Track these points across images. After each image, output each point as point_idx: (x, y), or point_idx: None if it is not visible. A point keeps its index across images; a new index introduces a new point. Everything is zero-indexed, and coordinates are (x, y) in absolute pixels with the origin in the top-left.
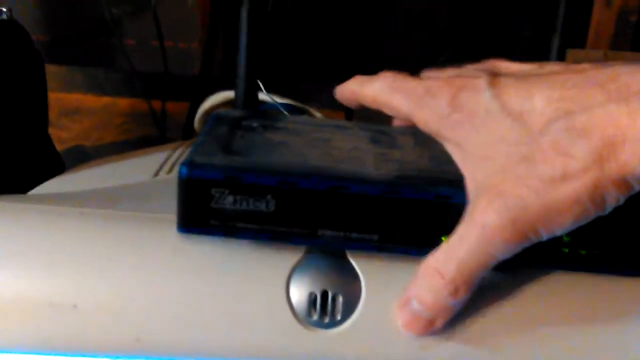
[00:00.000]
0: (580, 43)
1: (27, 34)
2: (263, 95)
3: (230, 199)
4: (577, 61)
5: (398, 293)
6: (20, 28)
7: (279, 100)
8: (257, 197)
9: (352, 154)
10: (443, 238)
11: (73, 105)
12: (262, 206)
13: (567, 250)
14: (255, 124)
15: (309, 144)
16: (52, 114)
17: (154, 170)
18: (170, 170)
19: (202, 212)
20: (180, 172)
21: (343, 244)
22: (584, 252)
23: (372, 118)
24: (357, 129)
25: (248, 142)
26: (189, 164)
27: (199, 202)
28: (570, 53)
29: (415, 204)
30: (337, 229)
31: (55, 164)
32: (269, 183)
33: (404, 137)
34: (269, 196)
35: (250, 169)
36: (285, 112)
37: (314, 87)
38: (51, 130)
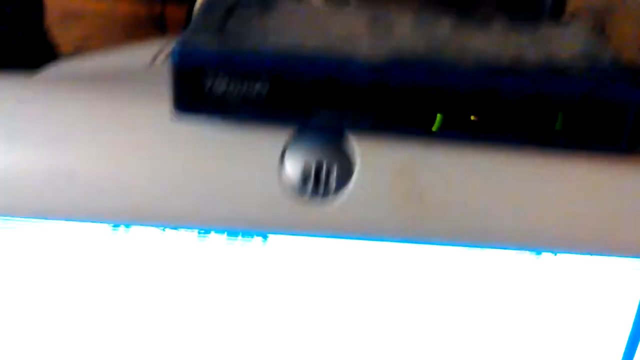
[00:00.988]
0: None
1: None
2: None
3: (223, 83)
4: (577, 7)
5: (393, 166)
6: None
7: None
8: (250, 80)
9: (348, 37)
10: (439, 115)
11: (76, 9)
12: (256, 89)
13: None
14: (251, 8)
15: (305, 27)
16: (54, 18)
17: (151, 58)
18: (167, 58)
19: (195, 95)
20: (172, 57)
21: (338, 123)
22: None
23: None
24: (357, 11)
25: (242, 25)
26: (181, 49)
27: (192, 86)
28: None
29: (407, 89)
30: (332, 109)
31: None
32: (262, 66)
33: (405, 18)
34: (262, 79)
35: (243, 53)
36: None
37: None
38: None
